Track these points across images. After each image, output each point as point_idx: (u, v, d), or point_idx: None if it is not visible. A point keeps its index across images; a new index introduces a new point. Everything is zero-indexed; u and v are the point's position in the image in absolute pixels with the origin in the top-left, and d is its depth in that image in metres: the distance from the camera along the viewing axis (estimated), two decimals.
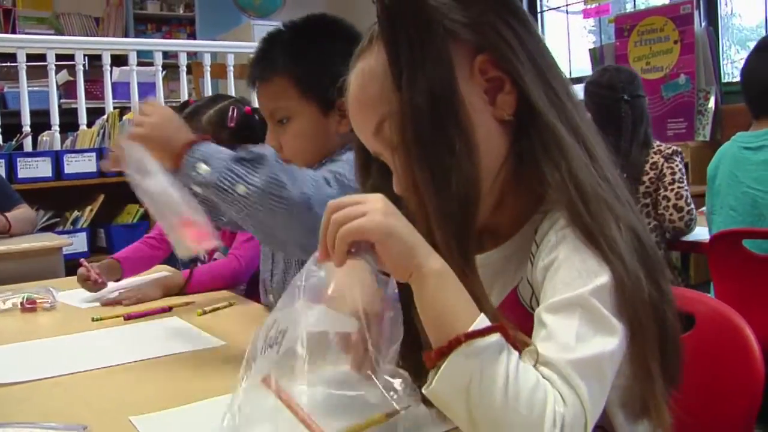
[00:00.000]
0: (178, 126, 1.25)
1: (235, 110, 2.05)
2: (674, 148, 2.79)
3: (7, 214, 2.95)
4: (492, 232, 0.92)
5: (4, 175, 3.82)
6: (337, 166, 1.37)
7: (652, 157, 2.76)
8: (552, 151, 0.82)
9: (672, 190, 2.70)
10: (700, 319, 1.06)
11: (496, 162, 0.86)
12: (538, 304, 0.80)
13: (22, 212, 3.08)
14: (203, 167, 1.18)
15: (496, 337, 0.71)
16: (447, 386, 0.71)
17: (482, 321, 0.72)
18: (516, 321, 0.77)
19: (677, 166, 2.74)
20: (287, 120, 1.51)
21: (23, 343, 1.37)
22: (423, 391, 0.73)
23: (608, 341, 0.74)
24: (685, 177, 2.77)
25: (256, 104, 2.13)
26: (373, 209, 0.76)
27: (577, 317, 0.75)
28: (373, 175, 0.97)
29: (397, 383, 0.78)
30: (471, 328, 0.71)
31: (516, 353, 0.72)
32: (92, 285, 1.89)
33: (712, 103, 4.41)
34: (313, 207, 1.21)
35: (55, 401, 1.09)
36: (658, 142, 2.83)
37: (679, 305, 0.85)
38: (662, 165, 2.73)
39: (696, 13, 4.48)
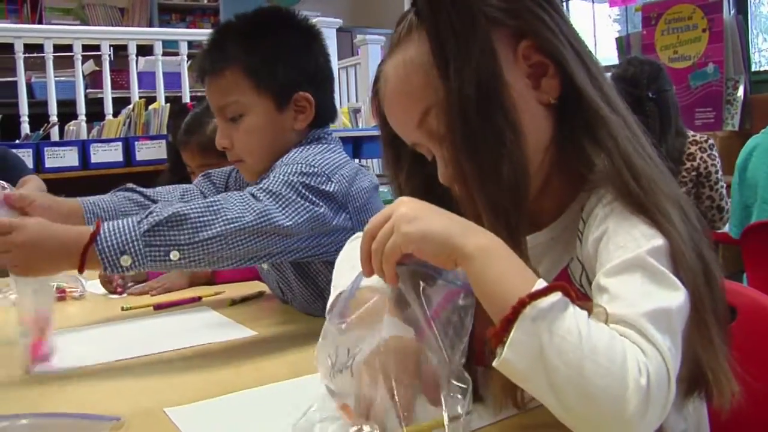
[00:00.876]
0: (52, 230, 1.12)
1: None
2: (710, 140, 2.77)
3: (21, 190, 2.96)
4: (536, 214, 0.91)
5: (32, 165, 3.85)
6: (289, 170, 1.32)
7: (689, 148, 2.74)
8: (599, 131, 0.82)
9: (716, 190, 2.70)
10: (743, 311, 1.04)
11: (541, 146, 0.86)
12: (589, 282, 0.80)
13: (36, 186, 3.09)
14: (125, 259, 1.13)
15: (558, 296, 0.69)
16: (520, 354, 0.68)
17: (541, 283, 0.71)
18: None
19: (718, 162, 2.73)
20: (240, 116, 1.45)
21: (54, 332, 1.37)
22: (494, 364, 0.70)
23: (674, 296, 0.73)
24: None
25: None
26: (399, 221, 0.77)
27: (639, 276, 0.73)
28: (405, 168, 0.97)
29: (463, 389, 0.76)
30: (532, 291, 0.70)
31: (583, 311, 0.70)
32: (113, 289, 1.88)
33: (740, 93, 4.35)
34: (250, 225, 1.20)
35: (87, 392, 1.09)
36: (692, 132, 2.81)
37: None
38: (701, 157, 2.71)
39: (725, 0, 4.41)
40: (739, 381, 0.80)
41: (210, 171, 1.75)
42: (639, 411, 0.65)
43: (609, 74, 2.97)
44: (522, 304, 0.68)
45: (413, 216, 0.76)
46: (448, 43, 0.80)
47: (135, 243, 1.13)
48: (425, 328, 0.77)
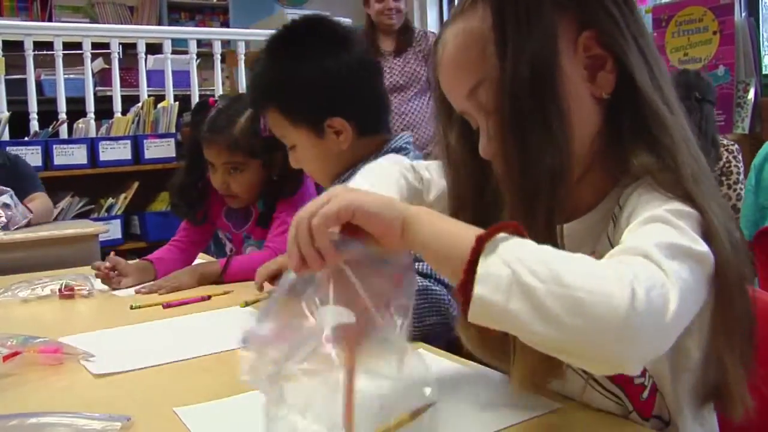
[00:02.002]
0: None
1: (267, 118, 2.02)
2: (737, 146, 2.82)
3: (28, 204, 2.98)
4: (573, 203, 0.90)
5: (41, 162, 3.86)
6: None
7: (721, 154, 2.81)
8: (654, 131, 0.81)
9: (735, 190, 2.72)
10: (760, 316, 1.02)
11: (587, 139, 0.86)
12: None
13: (41, 202, 3.12)
14: None
15: (513, 230, 0.69)
16: (492, 285, 0.65)
17: (494, 227, 0.70)
18: None
19: (741, 166, 2.77)
20: (293, 148, 1.56)
21: (69, 337, 1.36)
22: (469, 317, 0.67)
23: (695, 245, 0.71)
24: None
25: None
26: (333, 195, 0.78)
27: (658, 225, 0.72)
28: (456, 128, 0.97)
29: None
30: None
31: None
32: (106, 279, 1.88)
33: (751, 95, 4.32)
34: None
35: (97, 392, 1.09)
36: (720, 135, 2.88)
37: None
38: (726, 157, 2.76)
39: (737, 2, 4.39)
40: (753, 393, 0.79)
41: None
42: (631, 307, 0.61)
43: None
44: (481, 242, 0.68)
45: (351, 189, 0.79)
46: (510, 21, 0.80)
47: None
48: (373, 312, 0.74)
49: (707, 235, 0.74)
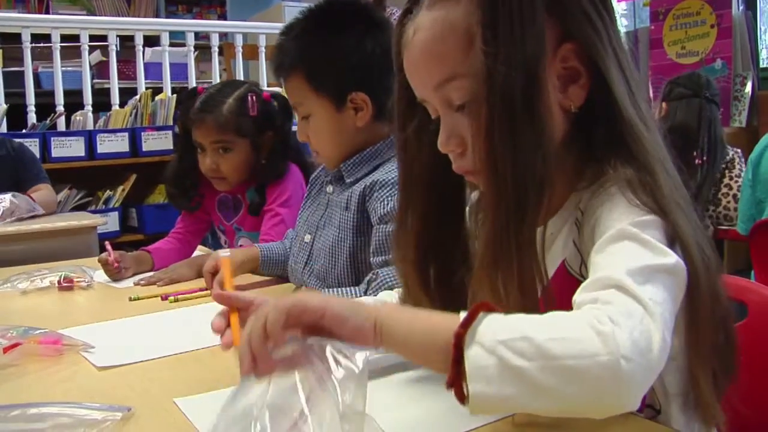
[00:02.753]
0: None
1: (254, 97, 2.04)
2: (739, 151, 2.91)
3: (32, 195, 2.97)
4: None
5: (38, 155, 3.85)
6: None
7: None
8: (630, 145, 0.80)
9: (736, 181, 2.76)
10: (753, 308, 1.03)
11: (554, 148, 0.84)
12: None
13: (45, 194, 3.12)
14: None
15: (485, 313, 0.68)
16: (484, 380, 0.65)
17: (462, 313, 0.69)
18: (568, 292, 0.73)
19: (743, 163, 2.83)
20: (308, 116, 1.56)
21: (70, 329, 1.36)
22: (471, 413, 0.67)
23: (665, 259, 0.70)
24: None
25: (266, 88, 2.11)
26: (299, 298, 0.77)
27: (625, 243, 0.72)
28: (414, 122, 0.95)
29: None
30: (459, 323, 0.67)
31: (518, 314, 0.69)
32: (112, 271, 1.89)
33: (748, 89, 4.33)
34: None
35: (97, 383, 1.10)
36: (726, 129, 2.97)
37: (731, 294, 0.84)
38: (733, 156, 2.83)
39: None
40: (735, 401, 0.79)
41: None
42: (618, 359, 0.61)
43: (667, 80, 3.17)
44: (459, 337, 0.66)
45: (318, 294, 0.76)
46: (503, 22, 0.77)
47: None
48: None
49: (675, 242, 0.74)
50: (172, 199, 2.23)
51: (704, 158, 2.78)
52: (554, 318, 0.67)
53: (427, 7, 0.86)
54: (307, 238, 1.66)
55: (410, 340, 0.73)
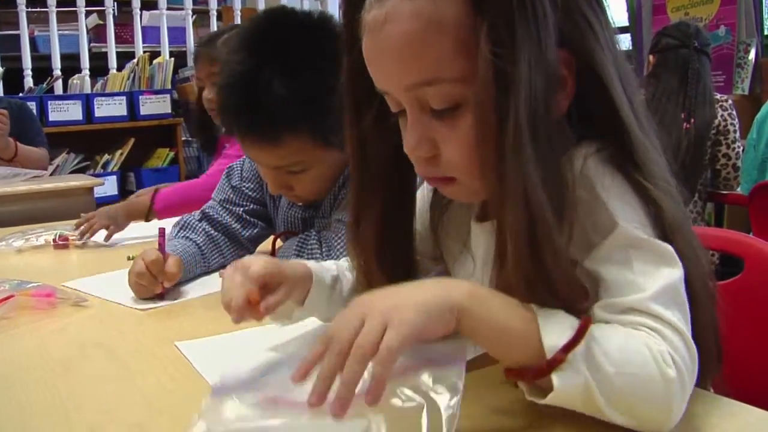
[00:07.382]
0: None
1: None
2: (730, 100, 2.80)
3: (21, 145, 3.02)
4: None
5: None
6: None
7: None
8: (626, 146, 0.75)
9: (733, 149, 2.72)
10: (750, 262, 1.02)
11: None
12: None
13: (35, 150, 3.15)
14: None
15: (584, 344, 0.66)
16: (567, 397, 0.66)
17: (562, 331, 0.66)
18: None
19: (737, 121, 2.75)
20: (303, 170, 1.28)
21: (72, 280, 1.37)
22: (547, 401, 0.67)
23: (672, 272, 0.70)
24: None
25: None
26: (387, 314, 0.64)
27: (633, 255, 0.70)
28: (372, 111, 0.83)
29: None
30: (563, 341, 0.65)
31: (599, 326, 0.68)
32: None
33: (752, 56, 4.29)
34: None
35: (92, 334, 1.09)
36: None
37: (728, 248, 0.83)
38: (721, 115, 2.74)
39: None
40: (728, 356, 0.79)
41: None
42: (678, 398, 0.65)
43: (655, 32, 3.03)
44: (558, 361, 0.65)
45: (393, 302, 0.66)
46: (521, 22, 0.68)
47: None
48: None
49: (666, 228, 0.72)
50: (204, 148, 2.49)
51: (691, 120, 2.64)
52: (622, 339, 0.67)
53: None
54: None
55: (491, 337, 0.69)
